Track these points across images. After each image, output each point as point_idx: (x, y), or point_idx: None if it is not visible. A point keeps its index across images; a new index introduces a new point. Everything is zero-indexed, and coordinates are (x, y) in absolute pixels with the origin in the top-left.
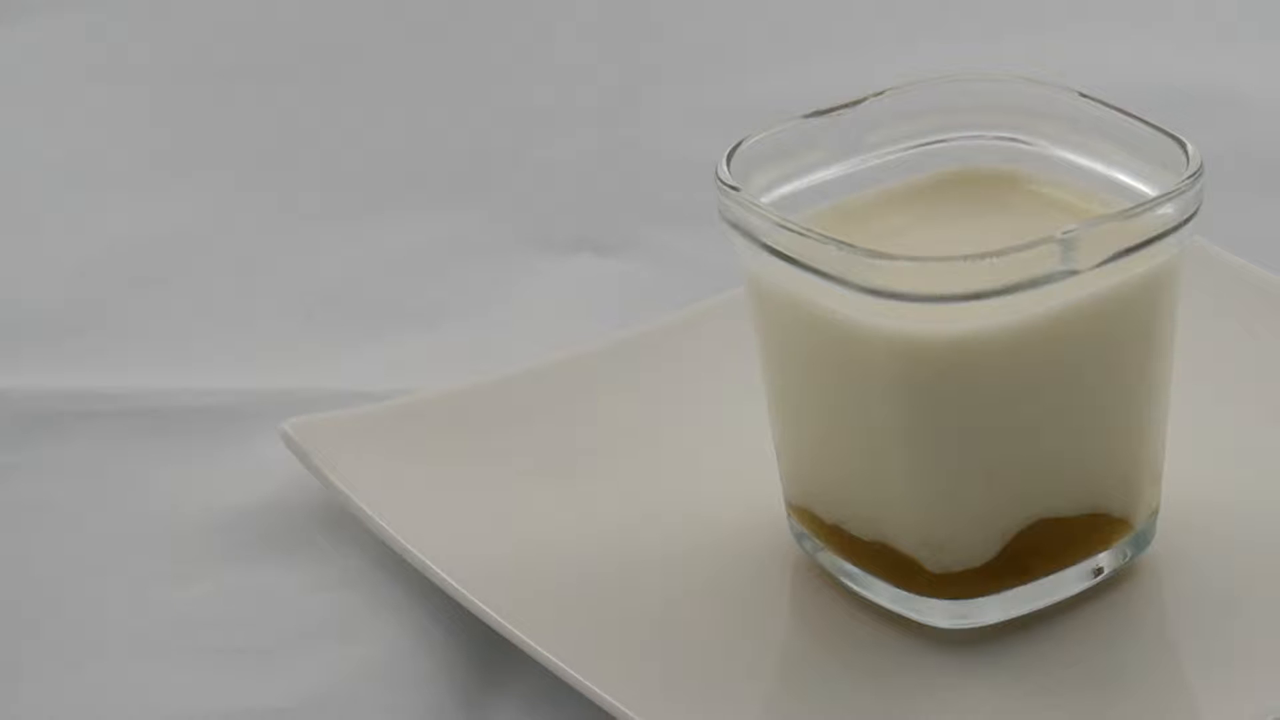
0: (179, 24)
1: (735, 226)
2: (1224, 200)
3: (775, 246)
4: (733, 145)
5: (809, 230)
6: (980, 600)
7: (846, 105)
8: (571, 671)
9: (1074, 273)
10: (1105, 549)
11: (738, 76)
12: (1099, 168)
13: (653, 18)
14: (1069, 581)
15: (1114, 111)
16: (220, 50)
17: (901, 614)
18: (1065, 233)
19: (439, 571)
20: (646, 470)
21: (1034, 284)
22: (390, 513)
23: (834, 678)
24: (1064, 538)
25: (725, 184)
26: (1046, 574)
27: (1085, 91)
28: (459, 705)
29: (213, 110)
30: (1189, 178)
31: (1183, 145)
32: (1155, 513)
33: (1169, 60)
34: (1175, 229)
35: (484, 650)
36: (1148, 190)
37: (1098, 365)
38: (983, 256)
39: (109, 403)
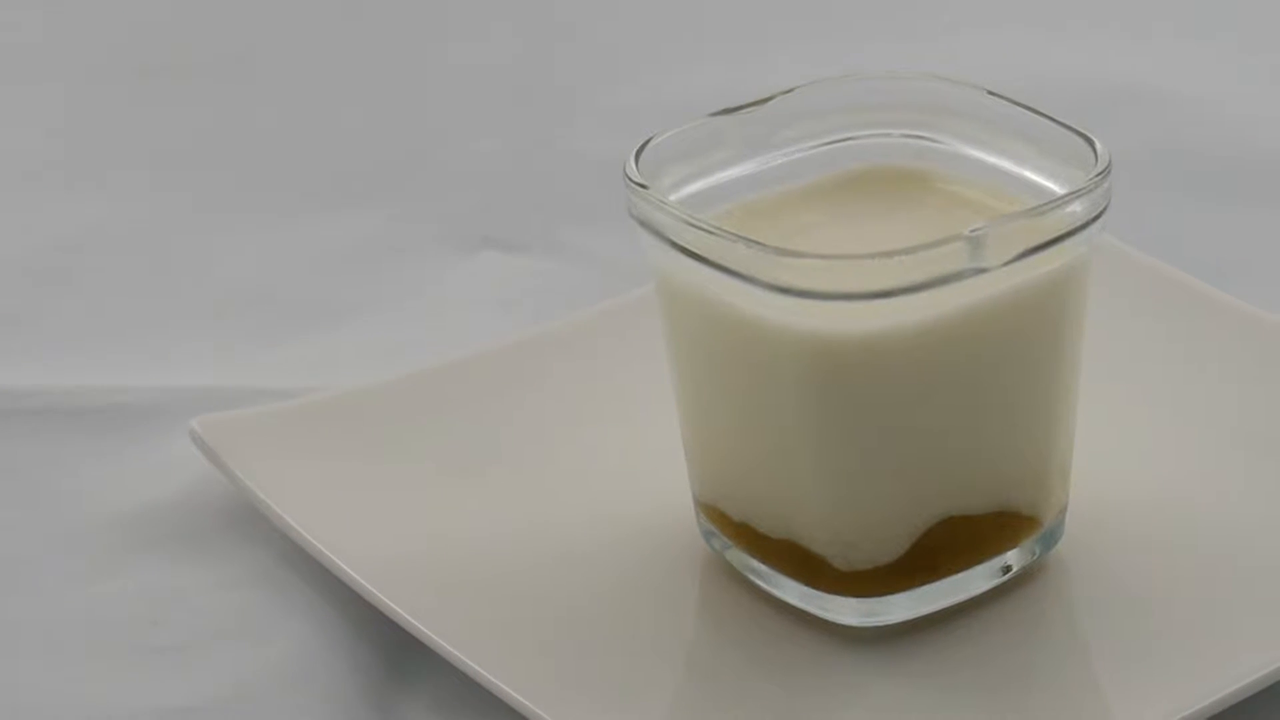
0: (93, 23)
1: (644, 224)
2: (1146, 199)
3: (684, 244)
4: (642, 142)
5: (718, 228)
6: (889, 598)
7: (756, 103)
8: (480, 670)
9: (983, 270)
10: (1014, 546)
11: (653, 77)
12: (1008, 165)
13: (569, 17)
14: (977, 579)
15: (1022, 109)
16: (135, 50)
17: (810, 612)
18: (973, 230)
19: (348, 570)
20: (556, 468)
21: (943, 282)
22: (299, 511)
23: (743, 676)
24: (973, 535)
25: (634, 181)
26: (955, 571)
27: (994, 89)
28: (369, 704)
29: (127, 109)
30: (1097, 175)
31: (1091, 143)
32: (1063, 510)
33: (1091, 59)
34: (1083, 226)
35: (394, 649)
36: (1056, 188)
37: (1007, 363)
38: (891, 254)
39: (21, 400)
